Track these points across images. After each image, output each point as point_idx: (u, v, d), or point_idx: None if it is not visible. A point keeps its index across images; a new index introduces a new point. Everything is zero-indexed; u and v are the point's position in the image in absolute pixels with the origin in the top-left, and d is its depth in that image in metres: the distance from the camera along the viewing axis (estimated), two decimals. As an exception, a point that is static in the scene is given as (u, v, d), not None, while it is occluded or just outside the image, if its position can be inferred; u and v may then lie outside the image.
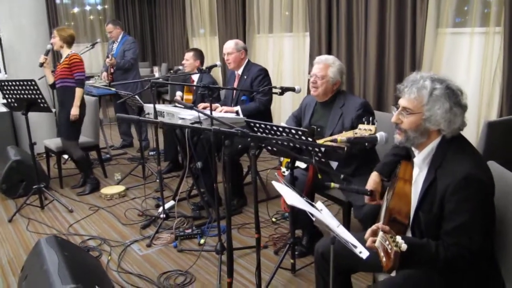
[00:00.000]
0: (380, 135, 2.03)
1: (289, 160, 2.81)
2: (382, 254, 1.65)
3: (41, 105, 4.02)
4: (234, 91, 4.23)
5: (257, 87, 4.06)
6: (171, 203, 4.13)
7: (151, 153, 5.87)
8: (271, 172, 4.90)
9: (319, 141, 2.74)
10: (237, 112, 3.98)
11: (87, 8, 10.65)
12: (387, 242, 1.62)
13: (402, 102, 1.88)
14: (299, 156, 2.28)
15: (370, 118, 2.49)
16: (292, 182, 2.73)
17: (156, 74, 8.31)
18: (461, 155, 1.79)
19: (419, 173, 1.95)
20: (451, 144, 1.83)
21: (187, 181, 4.54)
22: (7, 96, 4.02)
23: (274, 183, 1.92)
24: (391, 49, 4.56)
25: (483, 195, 1.71)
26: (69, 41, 4.49)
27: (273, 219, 3.89)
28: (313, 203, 1.96)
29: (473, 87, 3.96)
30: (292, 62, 6.25)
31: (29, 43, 5.75)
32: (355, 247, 1.74)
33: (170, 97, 7.64)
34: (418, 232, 1.90)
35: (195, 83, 4.81)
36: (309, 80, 3.22)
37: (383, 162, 2.34)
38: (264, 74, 4.17)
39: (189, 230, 3.68)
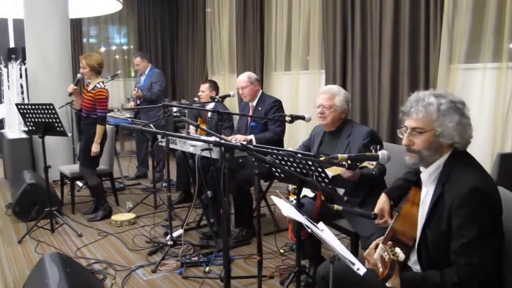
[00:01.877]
0: (382, 153, 2.01)
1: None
2: (379, 264, 1.62)
3: (58, 129, 4.11)
4: (248, 122, 4.28)
5: (271, 121, 4.10)
6: (179, 231, 4.10)
7: (164, 184, 5.90)
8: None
9: (328, 170, 2.73)
10: (251, 140, 4.00)
11: (113, 47, 11.01)
12: (385, 253, 1.60)
13: (410, 123, 1.86)
14: (304, 177, 2.27)
15: (378, 147, 2.48)
16: (299, 206, 2.70)
17: (174, 109, 8.44)
18: (467, 169, 1.78)
19: (427, 193, 1.92)
20: (457, 159, 1.81)
21: (197, 211, 4.56)
22: (25, 118, 4.14)
23: (272, 197, 1.91)
24: (404, 85, 4.58)
25: (491, 208, 1.68)
26: (98, 70, 4.52)
27: (281, 250, 3.83)
28: (315, 224, 1.95)
29: (487, 121, 3.93)
30: (307, 99, 6.30)
31: (52, 74, 5.94)
32: (353, 264, 1.71)
33: (186, 131, 7.73)
34: (425, 253, 1.85)
35: (209, 115, 4.87)
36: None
37: (393, 186, 2.31)
38: (278, 105, 4.22)
39: (196, 258, 3.64)
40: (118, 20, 10.70)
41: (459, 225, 1.69)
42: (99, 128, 4.46)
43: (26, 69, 6.24)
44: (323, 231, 1.92)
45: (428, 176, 1.88)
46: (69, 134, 4.68)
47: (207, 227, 4.24)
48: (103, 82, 4.54)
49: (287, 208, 1.83)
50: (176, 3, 10.86)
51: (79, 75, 4.58)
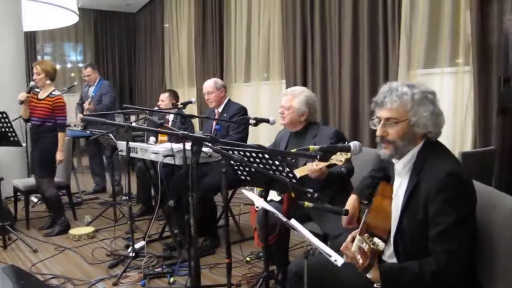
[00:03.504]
0: (354, 144, 2.00)
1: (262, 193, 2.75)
2: (358, 256, 1.58)
3: (11, 138, 3.92)
4: (213, 128, 4.21)
5: (233, 126, 4.05)
6: (141, 243, 3.96)
7: (124, 197, 5.71)
8: (244, 208, 4.75)
9: (295, 171, 2.70)
10: (211, 147, 3.93)
11: (68, 65, 10.74)
12: (364, 244, 1.56)
13: (383, 113, 1.84)
14: (274, 174, 2.22)
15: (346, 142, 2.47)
16: (265, 212, 2.64)
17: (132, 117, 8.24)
18: (441, 157, 1.78)
19: (400, 186, 1.90)
20: (431, 148, 1.81)
21: (159, 223, 4.43)
22: (-25, 129, 3.92)
23: (243, 190, 1.85)
24: (364, 92, 4.66)
25: (468, 193, 1.68)
26: (53, 76, 4.40)
27: (248, 259, 3.75)
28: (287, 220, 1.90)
29: (447, 123, 4.00)
30: (268, 109, 6.31)
31: (5, 86, 5.68)
32: (330, 256, 1.67)
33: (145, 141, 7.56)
34: (401, 245, 1.82)
35: (170, 123, 4.78)
36: None
37: (362, 185, 2.29)
38: (243, 112, 4.18)
39: (159, 269, 3.51)
40: (75, 37, 10.49)
41: (436, 212, 1.67)
42: (61, 135, 4.33)
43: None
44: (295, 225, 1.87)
45: (403, 167, 1.86)
46: (24, 144, 4.46)
47: (170, 238, 4.11)
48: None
49: (259, 201, 1.78)
50: (134, 19, 10.77)
51: (32, 83, 4.41)
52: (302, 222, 3.07)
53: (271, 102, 6.27)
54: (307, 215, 3.00)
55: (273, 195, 3.11)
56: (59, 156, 4.33)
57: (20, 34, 6.05)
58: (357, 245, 1.62)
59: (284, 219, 1.74)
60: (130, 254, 3.60)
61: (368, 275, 1.61)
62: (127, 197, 5.30)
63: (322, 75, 5.22)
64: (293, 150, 2.13)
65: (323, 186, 2.88)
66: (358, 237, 1.64)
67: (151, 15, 9.92)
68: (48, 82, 4.37)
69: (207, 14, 7.54)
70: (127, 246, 4.05)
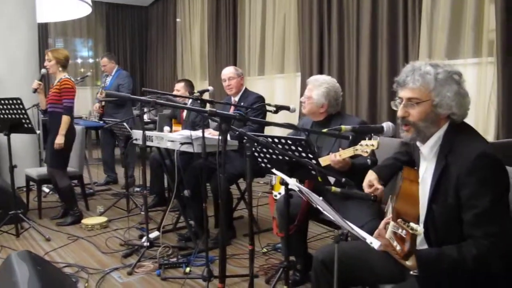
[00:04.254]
0: (387, 124, 1.91)
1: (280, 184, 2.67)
2: (395, 243, 1.49)
3: (25, 125, 3.86)
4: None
5: (251, 113, 3.98)
6: (156, 233, 3.90)
7: (137, 189, 5.65)
8: (260, 201, 4.67)
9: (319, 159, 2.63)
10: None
11: (79, 61, 10.72)
12: (400, 230, 1.47)
13: (405, 93, 1.77)
14: (300, 159, 2.13)
15: (372, 134, 2.39)
16: (287, 200, 2.56)
17: (146, 116, 8.21)
18: (469, 137, 1.71)
19: (426, 169, 1.82)
20: (458, 130, 1.74)
21: (173, 215, 4.38)
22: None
23: (274, 170, 1.77)
24: (383, 85, 4.56)
25: (502, 172, 1.59)
26: (65, 64, 4.33)
27: (264, 250, 3.68)
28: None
29: (470, 114, 3.93)
30: (284, 102, 6.22)
31: (18, 76, 5.66)
32: (365, 238, 1.59)
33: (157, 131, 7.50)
34: (432, 230, 1.74)
35: (184, 113, 4.71)
36: None
37: (382, 164, 2.21)
38: (261, 101, 4.11)
39: (174, 259, 3.45)
40: (86, 32, 10.48)
41: (470, 195, 1.59)
42: (65, 118, 4.20)
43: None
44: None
45: (429, 150, 1.79)
46: (38, 132, 4.40)
47: (184, 229, 4.05)
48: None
49: (293, 182, 1.71)
50: (146, 12, 10.73)
51: (43, 70, 4.35)
52: (322, 213, 3.02)
53: (286, 95, 6.19)
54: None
55: (293, 186, 3.03)
56: (58, 139, 4.17)
57: (34, 25, 6.02)
58: (392, 232, 1.54)
59: (315, 197, 1.66)
60: (145, 244, 3.55)
61: (408, 263, 1.53)
62: (141, 188, 5.28)
63: (339, 67, 5.13)
64: (324, 130, 2.04)
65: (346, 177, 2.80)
66: (392, 223, 1.56)
67: (164, 8, 9.87)
68: (60, 69, 4.32)
69: (221, 7, 7.48)
70: (140, 236, 3.99)
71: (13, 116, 3.82)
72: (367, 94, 4.78)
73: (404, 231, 1.47)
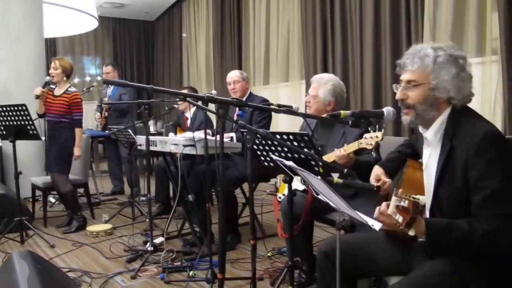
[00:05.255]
0: (387, 109, 1.89)
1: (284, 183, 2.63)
2: (397, 216, 1.46)
3: (30, 132, 3.88)
4: (235, 114, 4.11)
5: (256, 118, 3.97)
6: (160, 239, 3.87)
7: (142, 198, 5.63)
8: (267, 198, 4.60)
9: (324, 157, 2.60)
10: (231, 138, 3.85)
11: (87, 79, 10.83)
12: (402, 201, 1.44)
13: (405, 76, 1.77)
14: (302, 151, 2.11)
15: (377, 126, 2.36)
16: (291, 199, 2.53)
17: (151, 128, 8.23)
18: (474, 120, 1.68)
19: (430, 156, 1.79)
20: (461, 113, 1.71)
21: (177, 222, 4.36)
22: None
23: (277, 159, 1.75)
24: (387, 91, 4.55)
25: (509, 152, 1.56)
26: (69, 74, 4.40)
27: (269, 254, 3.63)
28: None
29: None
30: (289, 110, 6.22)
31: (24, 87, 5.68)
32: (366, 222, 1.56)
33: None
34: (439, 215, 1.70)
35: (188, 121, 4.71)
36: None
37: (387, 159, 2.18)
38: (266, 104, 4.09)
39: (178, 263, 3.41)
40: (94, 49, 10.60)
41: (478, 176, 1.56)
42: (78, 131, 4.34)
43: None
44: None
45: (434, 135, 1.76)
46: (43, 138, 4.42)
47: (189, 235, 4.02)
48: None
49: (292, 163, 1.69)
50: (152, 27, 10.85)
51: (48, 78, 4.38)
52: (326, 213, 2.99)
53: (291, 103, 6.14)
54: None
55: (297, 184, 3.00)
56: (76, 151, 4.33)
57: (41, 37, 6.07)
58: (394, 206, 1.51)
59: (315, 181, 1.63)
60: (149, 249, 3.52)
61: (411, 232, 1.49)
62: (145, 197, 5.27)
63: (343, 73, 5.11)
64: (323, 115, 2.02)
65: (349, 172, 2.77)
66: (394, 198, 1.53)
67: (170, 23, 9.98)
68: (65, 79, 4.37)
69: (225, 19, 7.55)
70: (145, 243, 3.96)
71: (18, 122, 3.84)
72: (371, 100, 4.76)
73: (406, 201, 1.45)
